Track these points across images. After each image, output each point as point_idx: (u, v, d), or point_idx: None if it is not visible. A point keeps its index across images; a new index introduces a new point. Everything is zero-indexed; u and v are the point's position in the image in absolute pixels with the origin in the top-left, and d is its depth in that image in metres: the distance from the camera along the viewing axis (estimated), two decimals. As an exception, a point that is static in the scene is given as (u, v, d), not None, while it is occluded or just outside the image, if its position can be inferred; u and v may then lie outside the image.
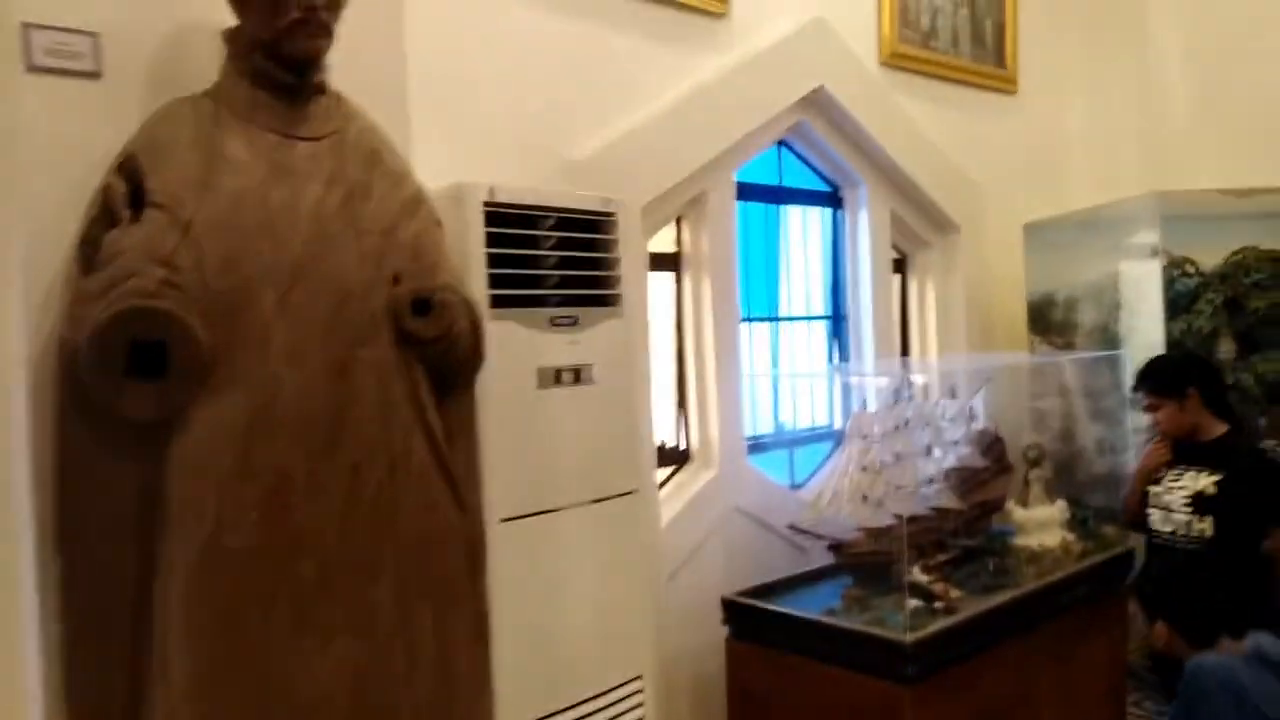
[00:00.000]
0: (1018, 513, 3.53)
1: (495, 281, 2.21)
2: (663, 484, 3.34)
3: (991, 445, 3.63)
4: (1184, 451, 2.73)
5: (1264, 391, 4.15)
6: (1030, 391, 4.20)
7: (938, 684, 2.69)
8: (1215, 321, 4.20)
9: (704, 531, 3.33)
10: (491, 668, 1.92)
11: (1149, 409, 2.79)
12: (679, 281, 3.52)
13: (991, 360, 4.10)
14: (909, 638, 2.62)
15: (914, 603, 2.88)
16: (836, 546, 3.26)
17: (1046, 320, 4.58)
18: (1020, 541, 3.44)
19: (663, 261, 3.47)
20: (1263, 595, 2.53)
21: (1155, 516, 2.81)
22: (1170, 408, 2.73)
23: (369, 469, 1.63)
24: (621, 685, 2.48)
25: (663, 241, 3.49)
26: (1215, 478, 2.63)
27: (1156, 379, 2.77)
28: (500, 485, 2.16)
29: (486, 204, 2.22)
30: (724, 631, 3.05)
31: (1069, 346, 4.35)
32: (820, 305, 4.24)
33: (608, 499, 2.45)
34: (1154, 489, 2.80)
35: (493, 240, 2.22)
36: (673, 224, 3.49)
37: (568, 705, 2.31)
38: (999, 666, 2.93)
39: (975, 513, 3.47)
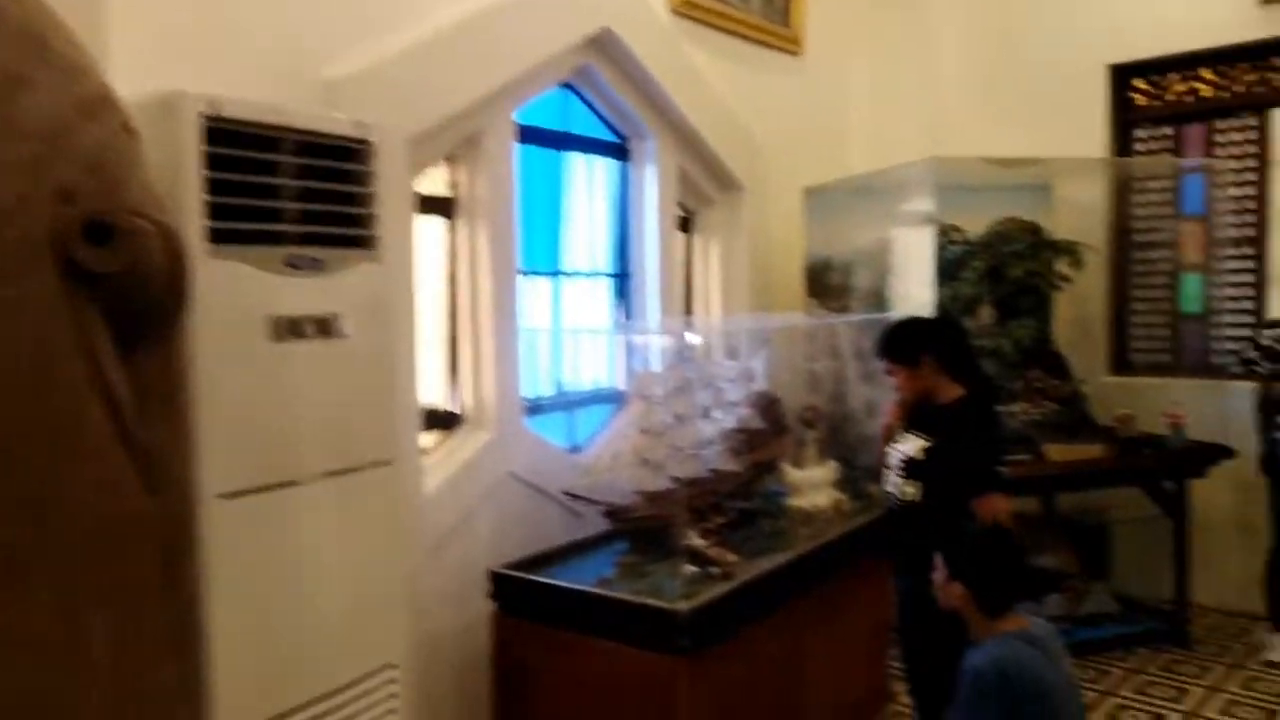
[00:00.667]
0: (792, 474, 3.53)
1: (217, 212, 1.86)
2: (430, 450, 3.07)
3: (769, 407, 3.61)
4: (918, 415, 2.76)
5: (1019, 356, 4.39)
6: (806, 354, 4.22)
7: (714, 653, 2.60)
8: (978, 288, 4.40)
9: (475, 500, 3.09)
10: (201, 676, 1.61)
11: (890, 374, 2.81)
12: (452, 228, 3.22)
13: (771, 322, 4.08)
14: (683, 607, 2.51)
15: (690, 569, 2.78)
16: (613, 512, 3.12)
17: (824, 284, 4.64)
18: (794, 502, 3.44)
19: (433, 205, 3.16)
20: None
21: (883, 477, 2.86)
22: (905, 373, 2.73)
23: (19, 444, 1.27)
24: (370, 676, 2.21)
25: (434, 183, 3.18)
26: (927, 442, 2.67)
27: (890, 346, 2.77)
28: (220, 456, 1.83)
29: (206, 118, 1.85)
30: (492, 607, 2.84)
31: (844, 310, 4.42)
32: (605, 261, 4.06)
33: (356, 470, 2.16)
34: (888, 450, 2.86)
35: (215, 163, 1.86)
36: (445, 164, 3.19)
37: (303, 703, 2.02)
38: (774, 631, 2.89)
39: (752, 474, 3.43)
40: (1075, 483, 4.11)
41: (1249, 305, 4.55)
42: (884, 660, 3.54)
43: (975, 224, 4.55)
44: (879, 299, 4.34)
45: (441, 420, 3.17)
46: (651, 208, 4.05)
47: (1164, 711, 3.54)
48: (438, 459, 3.05)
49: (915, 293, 4.09)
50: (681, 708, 2.50)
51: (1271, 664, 3.88)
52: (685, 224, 4.42)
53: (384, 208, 2.29)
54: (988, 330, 4.37)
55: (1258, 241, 4.52)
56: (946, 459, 2.65)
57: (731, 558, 2.85)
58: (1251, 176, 4.51)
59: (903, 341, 2.80)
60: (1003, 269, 4.38)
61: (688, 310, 4.42)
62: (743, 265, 4.49)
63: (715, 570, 2.77)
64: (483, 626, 2.87)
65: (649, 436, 3.13)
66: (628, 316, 4.09)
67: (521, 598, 2.80)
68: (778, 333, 4.09)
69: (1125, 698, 3.67)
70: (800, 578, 3.01)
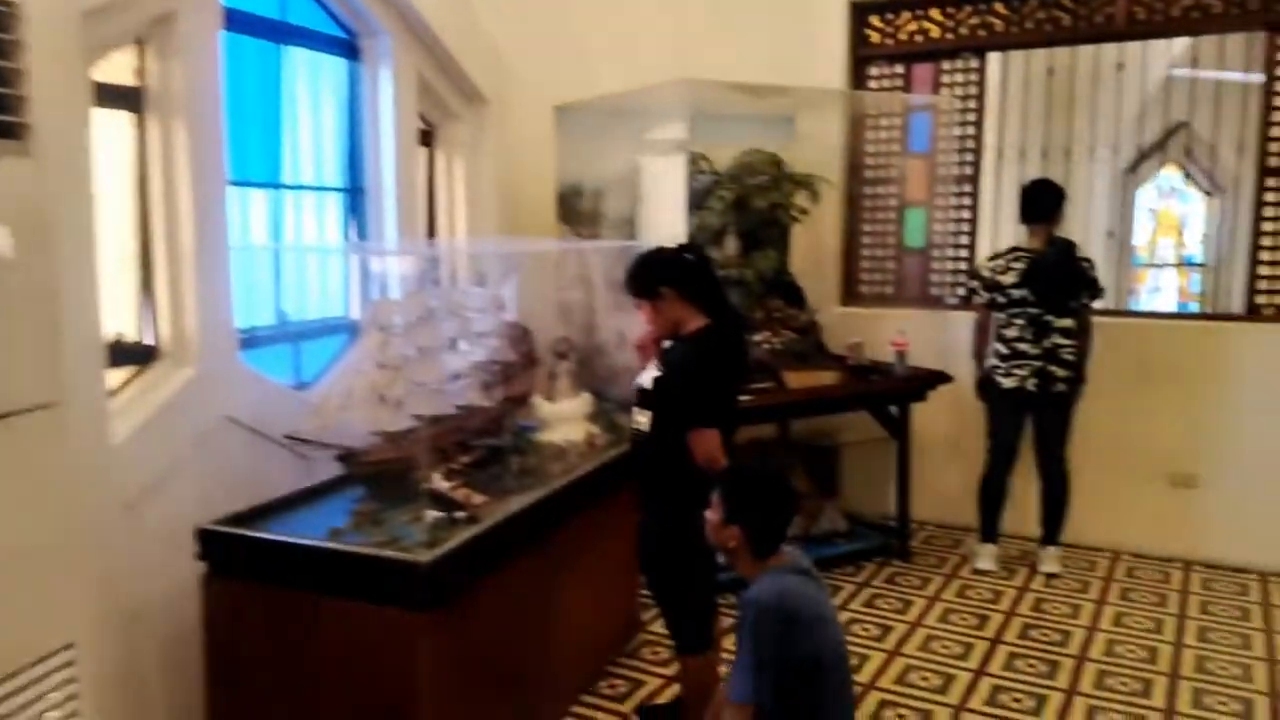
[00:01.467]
0: (544, 407, 3.37)
1: None
2: (117, 390, 2.60)
3: (520, 338, 3.41)
4: (668, 347, 2.69)
5: (761, 287, 4.45)
6: (558, 282, 4.05)
7: (460, 604, 2.41)
8: (725, 219, 4.40)
9: (181, 448, 2.67)
10: None
11: (637, 308, 2.70)
12: (141, 125, 2.71)
13: (522, 246, 3.85)
14: (424, 557, 2.29)
15: (434, 514, 2.55)
16: (347, 456, 2.81)
17: (576, 210, 4.46)
18: (546, 437, 3.28)
19: (117, 97, 2.64)
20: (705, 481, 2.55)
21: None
22: (649, 306, 2.63)
23: None
24: (38, 663, 1.81)
25: (119, 70, 2.65)
26: (659, 373, 2.60)
27: (631, 280, 2.67)
28: None
29: None
30: (201, 569, 2.47)
31: (595, 238, 4.28)
32: (336, 175, 3.64)
33: (7, 415, 1.73)
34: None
35: None
36: (134, 48, 2.66)
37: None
38: (526, 573, 2.74)
39: (503, 409, 3.23)
40: (812, 409, 4.26)
41: (966, 240, 4.88)
42: (636, 590, 3.50)
43: (722, 154, 4.53)
44: (630, 226, 4.23)
45: (133, 355, 2.69)
46: (388, 116, 3.67)
47: (891, 623, 3.77)
48: (128, 400, 2.59)
49: (666, 220, 4.00)
50: (423, 668, 2.30)
51: (980, 571, 4.25)
52: (427, 138, 4.07)
53: (42, 90, 1.83)
54: (734, 261, 4.39)
55: (974, 179, 4.84)
56: (669, 388, 2.58)
57: (479, 499, 2.65)
58: (971, 117, 4.80)
59: (643, 274, 2.67)
60: (748, 200, 4.39)
61: (431, 232, 4.09)
62: (490, 186, 4.21)
63: (461, 514, 2.55)
64: (193, 593, 2.49)
65: (387, 371, 2.83)
66: (362, 237, 3.71)
67: (236, 557, 2.45)
68: (528, 259, 3.87)
69: (856, 611, 3.88)
70: (553, 515, 2.87)
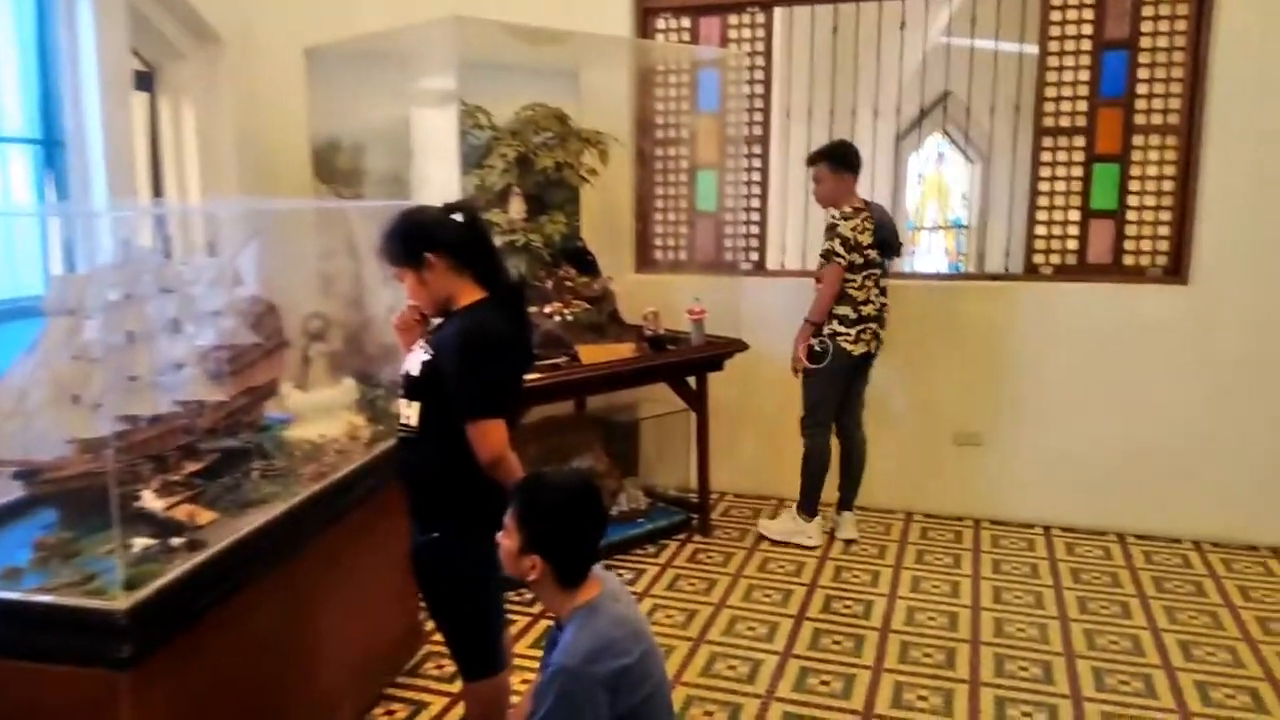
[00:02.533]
0: (296, 398, 2.89)
1: None
2: None
3: (263, 316, 2.88)
4: (437, 326, 2.24)
5: (552, 253, 4.10)
6: (316, 250, 3.53)
7: (175, 653, 1.93)
8: (507, 179, 4.00)
9: None
10: None
11: (398, 279, 2.23)
12: None
13: (263, 207, 3.30)
14: (122, 603, 1.80)
15: (145, 542, 2.05)
16: (29, 472, 2.23)
17: (335, 167, 3.93)
18: (298, 433, 2.80)
19: None
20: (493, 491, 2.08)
21: None
22: (411, 276, 2.17)
23: None
24: None
25: None
26: (428, 355, 2.17)
27: (388, 245, 2.19)
28: None
29: None
30: None
31: (359, 198, 3.78)
32: (24, 122, 2.97)
33: None
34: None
35: None
36: None
37: None
38: (272, 598, 2.29)
39: (241, 403, 2.71)
40: (609, 383, 3.96)
41: (757, 204, 4.73)
42: (416, 598, 3.09)
43: (503, 110, 4.13)
44: (399, 183, 3.76)
45: None
46: (89, 53, 3.02)
47: (695, 606, 3.57)
48: None
49: (440, 178, 3.57)
50: (126, 743, 1.81)
51: (849, 541, 4.15)
52: (148, 81, 3.42)
53: None
54: (520, 225, 4.01)
55: (764, 140, 4.68)
56: (440, 374, 2.13)
57: (205, 517, 2.17)
58: (760, 75, 4.63)
59: (402, 239, 2.19)
60: (532, 159, 4.02)
61: (157, 191, 3.46)
62: (228, 138, 3.62)
63: (180, 539, 2.06)
64: None
65: (81, 363, 2.26)
66: (61, 197, 3.05)
67: None
68: (274, 222, 3.33)
69: (659, 597, 3.65)
70: (305, 526, 2.42)
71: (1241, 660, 3.14)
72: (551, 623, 1.97)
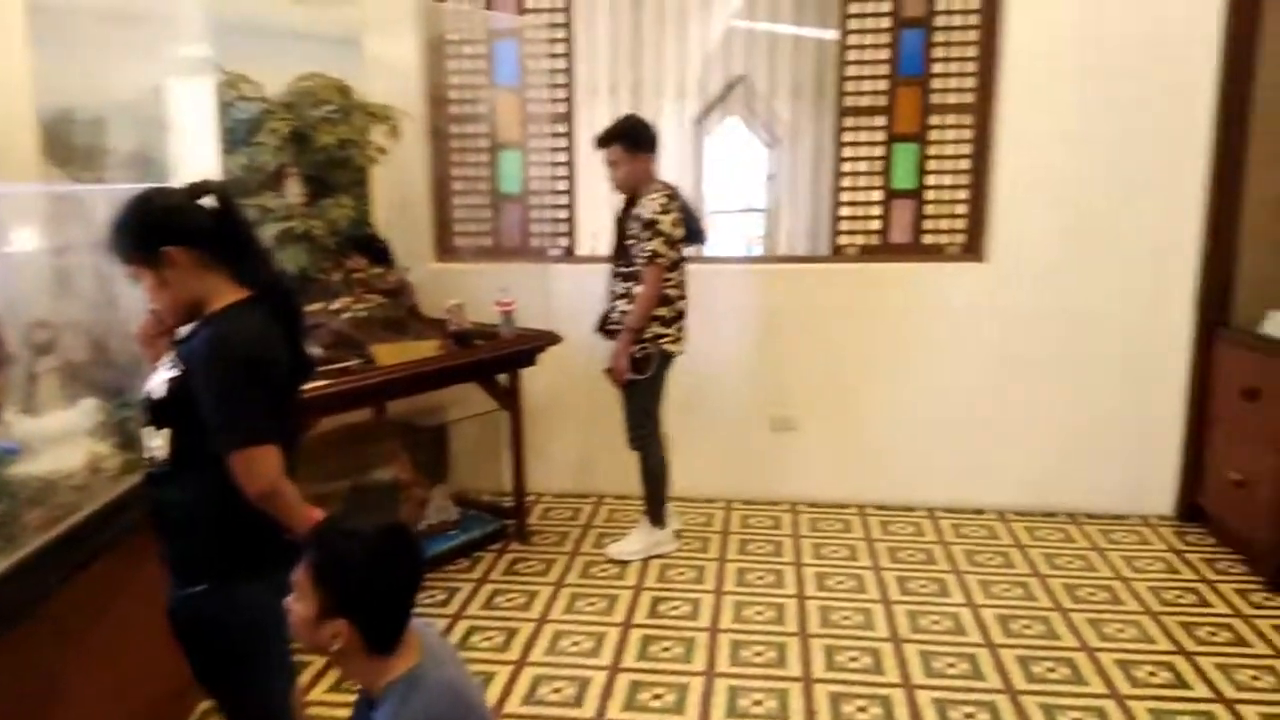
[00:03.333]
0: (21, 425, 2.38)
1: None
2: None
3: (-31, 328, 2.35)
4: (185, 335, 1.82)
5: (336, 241, 3.68)
6: (45, 246, 2.97)
7: None
8: (281, 157, 3.54)
9: None
10: None
11: (134, 278, 1.80)
12: None
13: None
14: None
15: None
16: None
17: (68, 145, 3.33)
18: (25, 469, 2.30)
19: None
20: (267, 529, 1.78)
21: None
22: (150, 275, 1.75)
23: None
24: None
25: None
26: (176, 372, 1.78)
27: (116, 239, 1.76)
28: None
29: None
30: None
31: (100, 181, 3.22)
32: None
33: None
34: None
35: None
36: None
37: None
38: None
39: (-59, 438, 2.19)
40: (411, 386, 3.59)
41: (564, 186, 4.47)
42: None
43: (274, 79, 3.65)
44: (150, 165, 3.23)
45: None
46: None
47: (516, 624, 3.29)
48: None
49: (198, 158, 3.08)
50: None
51: (663, 556, 3.87)
52: None
53: None
54: (298, 211, 3.56)
55: (569, 118, 4.43)
56: (192, 395, 1.75)
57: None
58: (561, 48, 4.36)
59: (135, 231, 1.77)
60: (310, 135, 3.58)
61: None
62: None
63: None
64: None
65: None
66: None
67: None
68: (-15, 213, 2.76)
69: (476, 617, 3.35)
70: (29, 588, 1.96)
71: (1056, 632, 3.21)
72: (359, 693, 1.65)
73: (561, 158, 4.45)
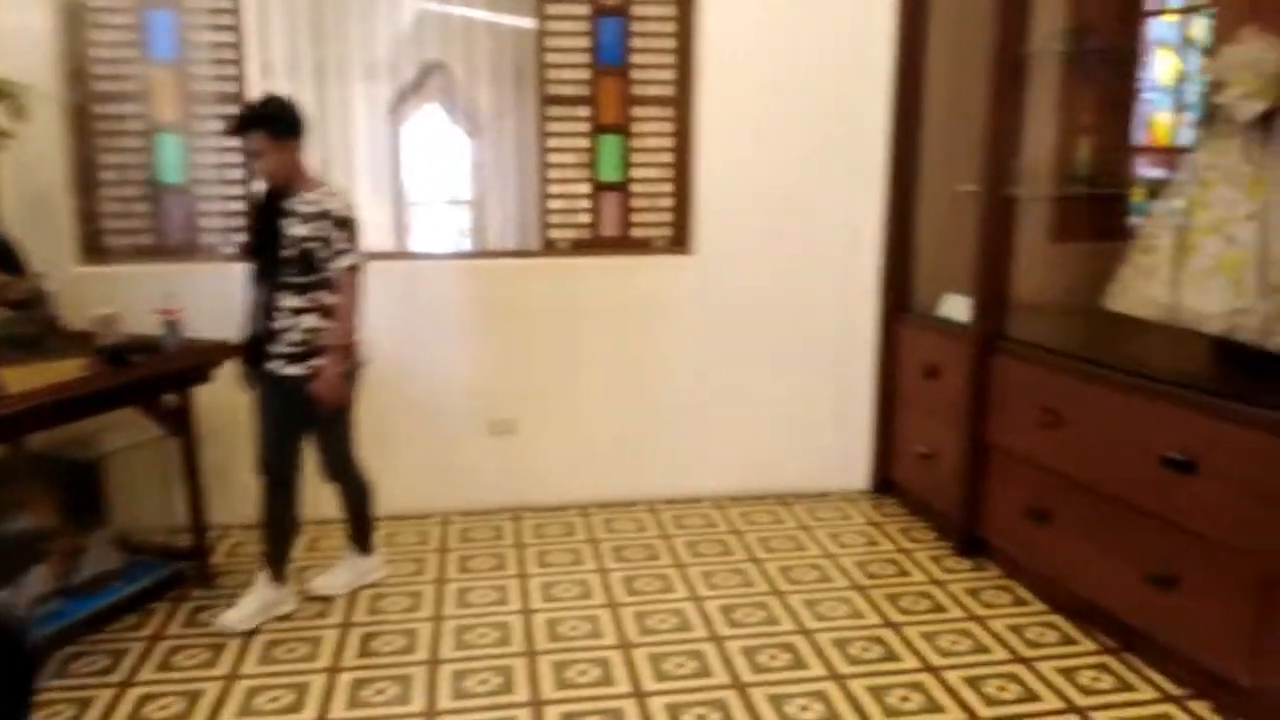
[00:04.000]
0: None
1: None
2: None
3: None
4: None
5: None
6: None
7: None
8: None
9: None
10: None
11: None
12: None
13: None
14: None
15: None
16: None
17: None
18: None
19: None
20: None
21: None
22: None
23: None
24: None
25: None
26: None
27: None
28: None
29: None
30: None
31: None
32: None
33: None
34: None
35: None
36: None
37: None
38: None
39: None
40: (51, 417, 2.97)
41: (239, 175, 3.96)
42: None
43: None
44: None
45: None
46: None
47: (198, 685, 2.83)
48: None
49: None
50: None
51: (374, 585, 3.50)
52: None
53: None
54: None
55: (239, 98, 3.91)
56: None
57: None
58: (228, 19, 3.84)
59: None
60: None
61: None
62: None
63: None
64: None
65: None
66: None
67: None
68: None
69: (148, 682, 2.85)
70: None
71: (775, 617, 3.26)
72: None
73: (232, 143, 3.93)
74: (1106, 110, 4.07)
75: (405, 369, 3.95)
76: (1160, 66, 4.10)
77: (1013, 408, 3.48)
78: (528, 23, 4.10)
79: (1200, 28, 4.06)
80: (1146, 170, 4.10)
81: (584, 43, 4.07)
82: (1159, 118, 4.15)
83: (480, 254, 4.32)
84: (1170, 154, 4.18)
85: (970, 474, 3.69)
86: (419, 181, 6.76)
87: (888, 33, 4.12)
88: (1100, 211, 4.07)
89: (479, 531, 4.00)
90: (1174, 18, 4.06)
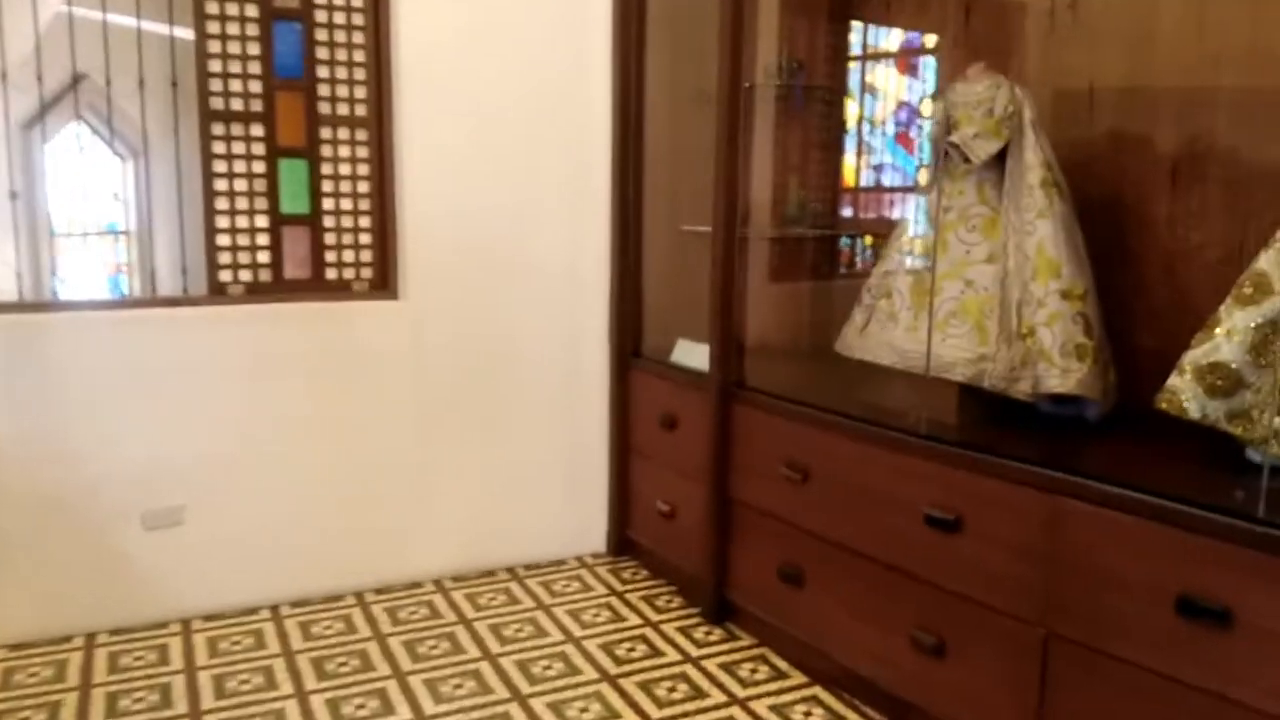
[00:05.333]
0: None
1: None
2: None
3: None
4: None
5: None
6: None
7: None
8: None
9: None
10: None
11: None
12: None
13: None
14: None
15: None
16: None
17: None
18: None
19: None
20: None
21: None
22: None
23: None
24: None
25: None
26: None
27: None
28: None
29: None
30: None
31: None
32: None
33: None
34: None
35: None
36: None
37: None
38: None
39: None
40: None
41: None
42: None
43: None
44: None
45: None
46: None
47: None
48: None
49: None
50: None
51: None
52: None
53: None
54: None
55: None
56: None
57: None
58: None
59: None
60: None
61: None
62: None
63: None
64: None
65: None
66: None
67: None
68: None
69: None
70: None
71: (518, 732, 2.78)
72: None
73: None
74: (816, 150, 4.05)
75: (31, 455, 3.05)
76: (852, 109, 4.13)
77: (758, 461, 3.24)
78: (182, 31, 3.36)
79: (883, 75, 4.16)
80: (850, 210, 4.16)
81: (255, 50, 3.40)
82: (847, 160, 4.18)
83: (132, 303, 3.48)
84: (879, 194, 4.23)
85: (715, 532, 3.42)
86: (63, 210, 5.62)
87: (605, 64, 3.82)
88: (812, 250, 4.04)
89: (134, 656, 3.15)
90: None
